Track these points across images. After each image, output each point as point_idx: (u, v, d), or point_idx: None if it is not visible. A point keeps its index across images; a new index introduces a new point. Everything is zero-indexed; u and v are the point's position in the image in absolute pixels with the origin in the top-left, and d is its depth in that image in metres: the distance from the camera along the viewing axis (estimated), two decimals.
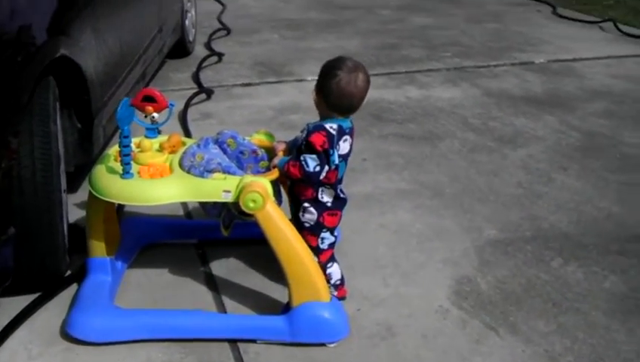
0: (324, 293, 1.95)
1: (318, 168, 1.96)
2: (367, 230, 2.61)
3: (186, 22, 4.93)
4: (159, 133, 2.14)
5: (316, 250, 2.09)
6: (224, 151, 2.10)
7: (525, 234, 2.62)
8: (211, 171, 1.95)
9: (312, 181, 2.00)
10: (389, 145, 3.48)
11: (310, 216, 2.06)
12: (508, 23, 6.58)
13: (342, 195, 2.10)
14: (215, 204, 2.10)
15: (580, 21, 6.65)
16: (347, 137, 2.02)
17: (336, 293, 2.12)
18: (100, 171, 1.98)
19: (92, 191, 1.96)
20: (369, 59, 5.11)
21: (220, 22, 6.23)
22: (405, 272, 2.35)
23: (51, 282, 2.12)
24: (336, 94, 1.95)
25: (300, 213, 2.07)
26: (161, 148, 2.09)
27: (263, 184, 1.89)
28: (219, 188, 1.90)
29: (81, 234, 2.42)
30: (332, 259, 2.14)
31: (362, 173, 3.09)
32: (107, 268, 2.11)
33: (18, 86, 1.91)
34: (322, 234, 2.09)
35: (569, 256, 2.47)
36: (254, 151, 2.13)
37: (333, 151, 1.97)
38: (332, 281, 2.13)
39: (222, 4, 7.11)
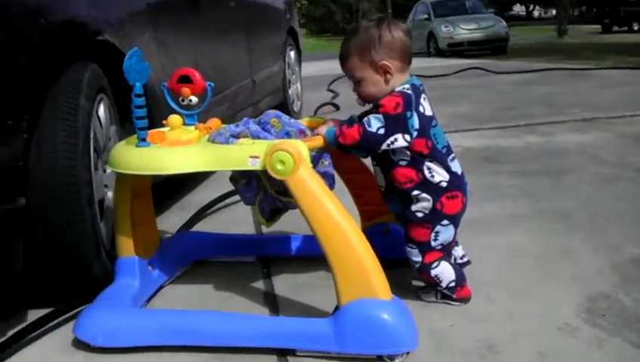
0: (382, 289, 1.46)
1: (382, 131, 1.56)
2: (469, 251, 2.07)
3: (290, 91, 4.84)
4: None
5: (423, 247, 1.66)
6: (267, 132, 1.74)
7: None
8: (237, 136, 1.62)
9: (372, 147, 1.59)
10: (502, 179, 2.96)
11: (425, 203, 1.64)
12: None
13: (456, 171, 1.68)
14: (249, 183, 1.75)
15: None
16: (424, 95, 1.66)
17: (454, 296, 1.69)
18: (118, 145, 1.71)
19: (106, 165, 1.66)
20: (482, 116, 4.69)
21: (331, 103, 6.06)
22: (517, 289, 1.79)
23: (81, 282, 1.81)
24: (398, 45, 1.65)
25: (412, 205, 1.66)
26: (195, 130, 1.75)
27: (295, 144, 1.51)
28: (245, 153, 1.53)
29: None
30: (439, 259, 1.68)
31: None
32: (134, 270, 1.75)
33: (50, 56, 1.72)
34: (438, 227, 1.65)
35: None
36: (302, 132, 1.72)
37: (412, 114, 1.59)
38: (443, 285, 1.67)
39: (334, 92, 7.04)
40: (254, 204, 1.77)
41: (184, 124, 1.76)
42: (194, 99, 1.73)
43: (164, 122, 1.74)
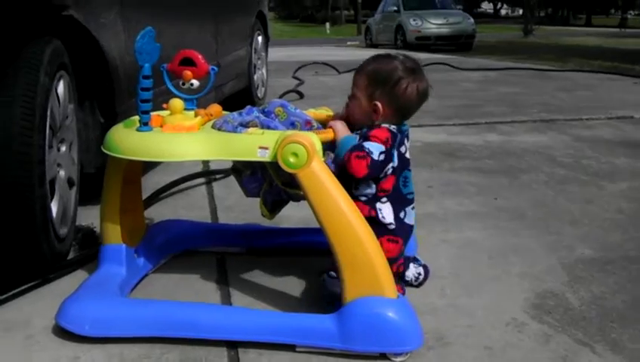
0: (389, 287, 1.45)
1: (382, 157, 1.55)
2: (426, 244, 2.11)
3: (255, 77, 4.80)
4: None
5: None
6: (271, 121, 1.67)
7: (629, 254, 2.04)
8: (246, 125, 1.57)
9: (375, 175, 1.57)
10: (461, 175, 3.01)
11: None
12: (602, 91, 6.09)
13: (406, 219, 1.65)
14: (253, 174, 1.72)
15: None
16: (405, 140, 1.66)
17: None
18: (116, 128, 1.64)
19: (103, 148, 1.59)
20: (446, 113, 4.74)
21: (296, 91, 6.05)
22: (469, 284, 1.83)
23: (27, 262, 1.78)
24: (402, 102, 1.61)
25: None
26: (196, 116, 1.67)
27: (309, 136, 1.47)
28: (254, 143, 1.47)
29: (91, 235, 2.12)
30: None
31: (426, 197, 2.62)
32: (121, 258, 1.71)
33: (12, 29, 1.69)
34: None
35: None
36: (308, 123, 1.67)
37: (394, 152, 1.59)
38: None
39: (299, 79, 7.04)
40: (258, 195, 1.74)
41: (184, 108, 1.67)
42: (195, 82, 1.64)
43: (164, 105, 1.65)
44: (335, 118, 1.70)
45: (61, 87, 1.95)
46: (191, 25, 3.27)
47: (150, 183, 2.77)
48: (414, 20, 15.38)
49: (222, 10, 3.79)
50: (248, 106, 1.71)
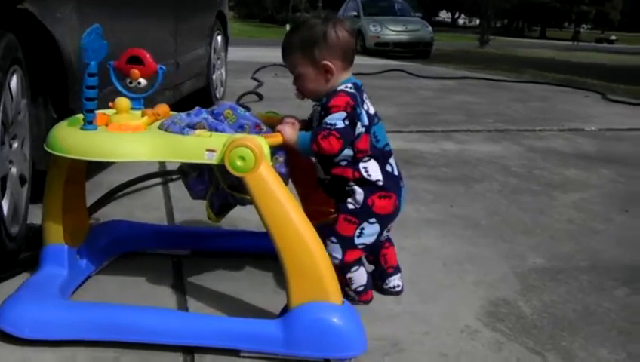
0: (334, 293, 1.45)
1: (347, 122, 1.57)
2: None
3: (214, 76, 4.75)
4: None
5: (346, 243, 1.66)
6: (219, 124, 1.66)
7: (580, 264, 2.10)
8: (194, 127, 1.55)
9: (349, 143, 1.60)
10: (418, 183, 3.04)
11: (357, 197, 1.65)
12: (555, 103, 6.25)
13: (394, 172, 1.70)
14: (200, 176, 1.69)
15: (631, 104, 6.26)
16: (365, 95, 1.69)
17: (357, 299, 1.71)
18: (59, 126, 1.59)
19: (45, 147, 1.54)
20: (403, 121, 4.79)
21: (255, 92, 6.02)
22: (425, 291, 1.85)
23: None
24: (341, 47, 1.66)
25: (347, 197, 1.67)
26: (143, 115, 1.64)
27: (257, 140, 1.47)
28: (201, 146, 1.46)
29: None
30: (359, 262, 1.70)
31: None
32: (63, 259, 1.66)
33: None
34: (364, 224, 1.65)
35: (639, 286, 1.93)
36: (257, 126, 1.67)
37: (361, 110, 1.63)
38: (353, 287, 1.69)
39: (258, 81, 7.01)
40: (204, 198, 1.71)
41: (132, 108, 1.64)
42: (143, 81, 1.63)
43: (110, 104, 1.62)
44: (284, 121, 1.70)
45: (14, 82, 1.89)
46: (150, 23, 3.21)
47: (105, 182, 2.71)
48: (374, 26, 15.51)
49: (182, 8, 3.74)
50: (197, 107, 1.71)
